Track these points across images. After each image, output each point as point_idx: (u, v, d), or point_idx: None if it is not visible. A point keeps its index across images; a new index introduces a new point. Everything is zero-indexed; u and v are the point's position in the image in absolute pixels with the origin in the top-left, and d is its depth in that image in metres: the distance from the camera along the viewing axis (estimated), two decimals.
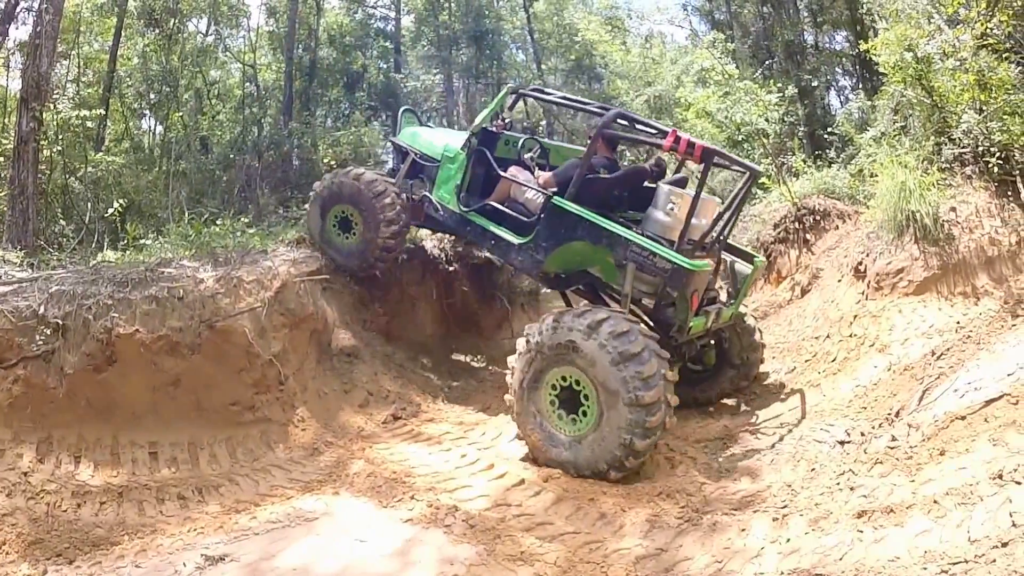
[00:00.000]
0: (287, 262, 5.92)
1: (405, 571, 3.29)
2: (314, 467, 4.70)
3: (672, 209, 4.89)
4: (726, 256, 5.72)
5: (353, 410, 5.64)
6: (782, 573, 2.92)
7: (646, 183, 5.47)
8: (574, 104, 6.35)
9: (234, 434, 5.06)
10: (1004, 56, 7.43)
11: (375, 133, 14.01)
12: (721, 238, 5.39)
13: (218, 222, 7.47)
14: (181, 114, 13.36)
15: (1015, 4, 7.74)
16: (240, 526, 3.81)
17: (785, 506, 3.65)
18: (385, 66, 17.57)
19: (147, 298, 5.05)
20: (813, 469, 4.06)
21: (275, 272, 5.67)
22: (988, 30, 7.33)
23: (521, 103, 7.15)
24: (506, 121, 6.25)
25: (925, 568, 2.67)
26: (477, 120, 5.88)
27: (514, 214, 5.46)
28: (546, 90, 6.54)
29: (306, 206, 6.91)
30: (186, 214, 8.60)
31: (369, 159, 12.73)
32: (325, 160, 11.88)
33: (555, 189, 5.18)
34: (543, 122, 17.67)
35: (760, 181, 6.26)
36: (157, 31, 13.57)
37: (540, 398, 4.56)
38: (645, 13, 24.99)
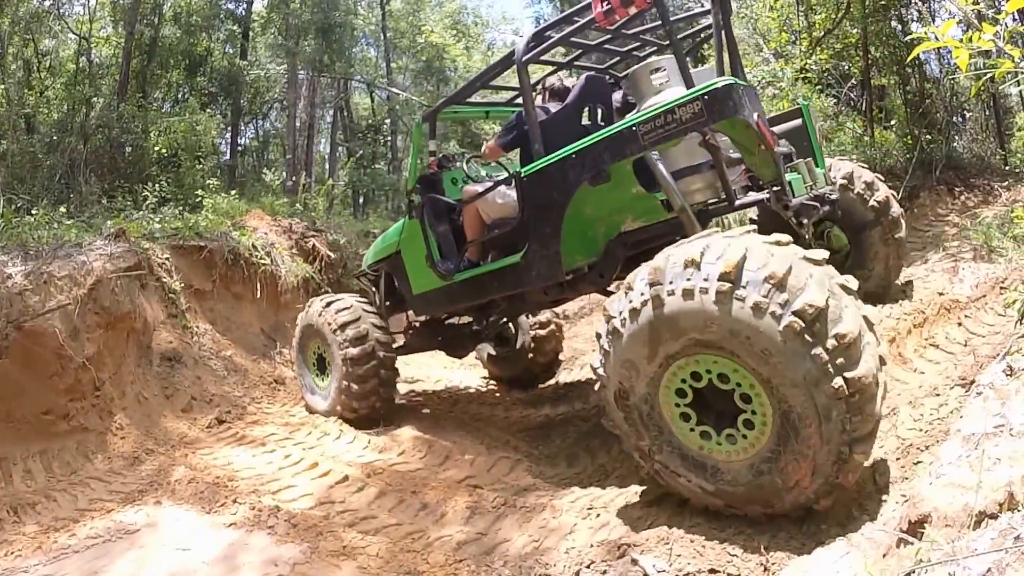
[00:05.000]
0: (103, 257, 5.53)
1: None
2: (135, 477, 4.48)
3: (662, 82, 3.66)
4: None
5: (176, 415, 5.41)
6: (592, 545, 3.14)
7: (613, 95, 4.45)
8: (484, 82, 4.85)
9: (49, 446, 4.74)
10: (819, 89, 8.55)
11: (211, 121, 13.20)
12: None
13: (34, 211, 6.80)
14: (6, 87, 11.92)
15: (835, 46, 8.92)
16: (59, 545, 3.60)
17: (598, 486, 3.90)
18: (232, 51, 16.59)
19: None
20: (623, 451, 4.41)
21: (89, 268, 5.29)
22: (807, 66, 8.37)
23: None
24: (439, 156, 5.22)
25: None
26: (407, 176, 4.95)
27: (500, 234, 4.30)
28: (456, 100, 4.97)
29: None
30: (1, 201, 7.73)
31: (200, 150, 11.95)
32: (156, 148, 11.07)
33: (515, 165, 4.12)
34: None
35: None
36: None
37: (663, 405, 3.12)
38: (492, 22, 26.07)
